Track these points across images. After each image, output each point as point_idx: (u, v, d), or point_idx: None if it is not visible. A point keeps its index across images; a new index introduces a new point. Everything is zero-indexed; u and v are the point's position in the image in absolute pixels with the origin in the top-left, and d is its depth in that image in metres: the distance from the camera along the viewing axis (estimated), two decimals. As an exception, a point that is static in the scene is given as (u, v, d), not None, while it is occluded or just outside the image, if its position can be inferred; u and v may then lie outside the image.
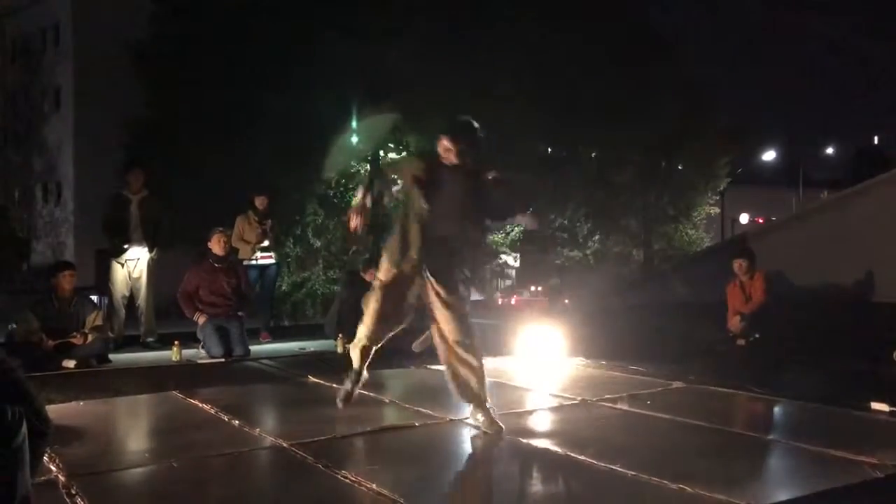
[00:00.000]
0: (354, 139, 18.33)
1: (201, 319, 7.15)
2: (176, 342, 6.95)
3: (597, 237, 24.25)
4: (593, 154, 23.91)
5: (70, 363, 6.34)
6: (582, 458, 3.65)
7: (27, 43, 33.99)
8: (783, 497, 3.21)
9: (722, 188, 26.70)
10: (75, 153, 31.20)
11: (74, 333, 6.46)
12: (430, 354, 7.02)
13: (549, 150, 23.76)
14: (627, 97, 20.92)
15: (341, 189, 20.62)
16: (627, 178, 23.87)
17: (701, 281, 9.19)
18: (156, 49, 18.35)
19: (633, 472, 3.37)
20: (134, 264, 7.83)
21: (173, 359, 6.85)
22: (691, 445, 4.02)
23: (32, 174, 32.55)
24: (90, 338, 6.51)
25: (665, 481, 3.23)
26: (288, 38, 16.34)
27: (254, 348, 7.49)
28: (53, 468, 3.39)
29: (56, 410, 4.29)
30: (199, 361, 6.95)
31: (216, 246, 7.37)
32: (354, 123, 17.84)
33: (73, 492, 3.11)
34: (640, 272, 22.56)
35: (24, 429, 2.07)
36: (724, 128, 25.14)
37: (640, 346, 7.02)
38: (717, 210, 27.78)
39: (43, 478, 3.24)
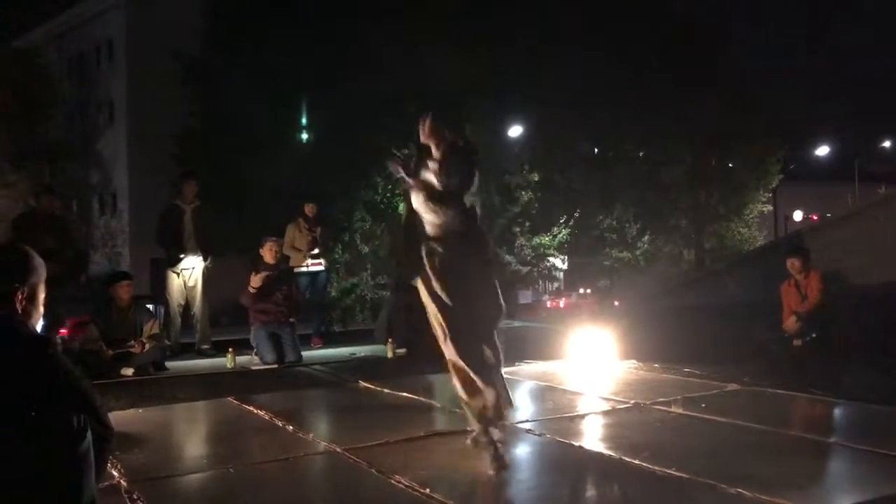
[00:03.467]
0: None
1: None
2: (230, 349, 7.08)
3: (646, 237, 23.95)
4: (641, 153, 23.64)
5: (128, 371, 6.50)
6: (636, 462, 3.61)
7: (83, 59, 35.05)
8: (846, 502, 3.13)
9: (774, 185, 26.13)
10: (129, 165, 32.00)
11: (132, 342, 6.62)
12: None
13: (596, 150, 23.55)
14: (676, 95, 20.63)
15: (388, 195, 20.77)
16: (677, 177, 23.53)
17: (754, 280, 9.02)
18: (204, 62, 18.74)
19: (688, 476, 3.32)
20: (189, 273, 7.99)
21: (228, 365, 6.97)
22: (748, 449, 3.93)
23: (89, 186, 33.50)
24: (147, 346, 6.66)
25: (723, 485, 3.18)
26: (334, 48, 16.53)
27: (305, 354, 7.58)
28: (116, 473, 3.48)
29: (116, 417, 4.40)
30: (253, 368, 7.07)
31: (268, 254, 7.49)
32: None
33: (135, 497, 3.19)
34: (692, 272, 22.20)
35: (90, 435, 2.13)
36: (775, 123, 24.63)
37: (693, 348, 6.91)
38: (770, 207, 27.18)
39: (106, 483, 3.33)
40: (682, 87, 20.83)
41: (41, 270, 2.38)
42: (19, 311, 2.29)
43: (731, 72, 22.96)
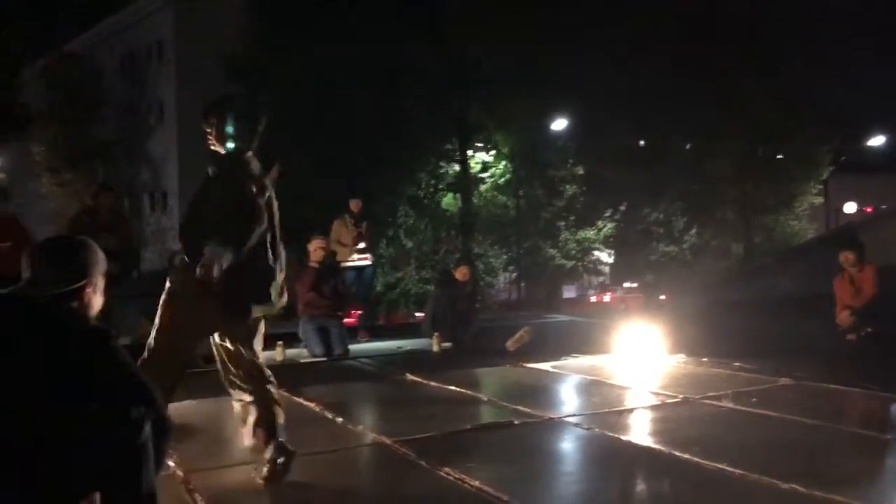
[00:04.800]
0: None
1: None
2: (279, 342, 7.19)
3: (693, 231, 23.61)
4: (688, 145, 23.31)
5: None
6: (686, 456, 3.58)
7: (133, 60, 35.85)
8: (904, 499, 3.06)
9: (825, 176, 25.51)
10: (179, 163, 32.64)
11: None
12: (523, 353, 7.07)
13: (642, 142, 23.29)
14: (723, 85, 20.28)
15: (431, 190, 20.85)
16: (724, 169, 23.13)
17: (806, 274, 8.84)
18: (251, 60, 18.99)
19: (741, 472, 3.28)
20: (237, 269, 8.12)
21: (277, 358, 7.08)
22: (802, 444, 3.87)
23: (140, 184, 34.30)
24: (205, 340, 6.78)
25: (776, 481, 3.13)
26: (378, 44, 16.62)
27: (353, 347, 7.67)
28: (172, 463, 3.57)
29: (170, 409, 4.51)
30: (302, 361, 7.17)
31: (315, 250, 7.58)
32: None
33: (191, 486, 3.27)
34: (741, 266, 21.82)
35: (148, 427, 2.19)
36: (826, 113, 24.04)
37: (742, 342, 6.81)
38: (821, 199, 26.55)
39: (161, 472, 3.42)
40: (730, 78, 20.45)
41: (103, 264, 2.46)
42: (85, 305, 2.37)
43: (780, 60, 22.44)
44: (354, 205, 8.78)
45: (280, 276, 3.44)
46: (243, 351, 3.45)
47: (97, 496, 2.14)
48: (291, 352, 7.32)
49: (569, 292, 27.40)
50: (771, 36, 22.00)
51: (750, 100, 20.56)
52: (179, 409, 4.85)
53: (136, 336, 6.82)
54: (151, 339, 3.37)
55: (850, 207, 33.37)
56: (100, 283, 2.44)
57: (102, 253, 2.48)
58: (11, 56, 20.74)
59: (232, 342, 3.44)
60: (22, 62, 25.39)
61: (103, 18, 36.52)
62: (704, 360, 6.48)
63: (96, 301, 2.43)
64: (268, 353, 7.37)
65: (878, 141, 32.75)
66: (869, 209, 28.75)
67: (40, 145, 30.49)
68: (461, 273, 8.48)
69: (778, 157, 24.50)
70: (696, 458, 3.53)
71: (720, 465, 3.39)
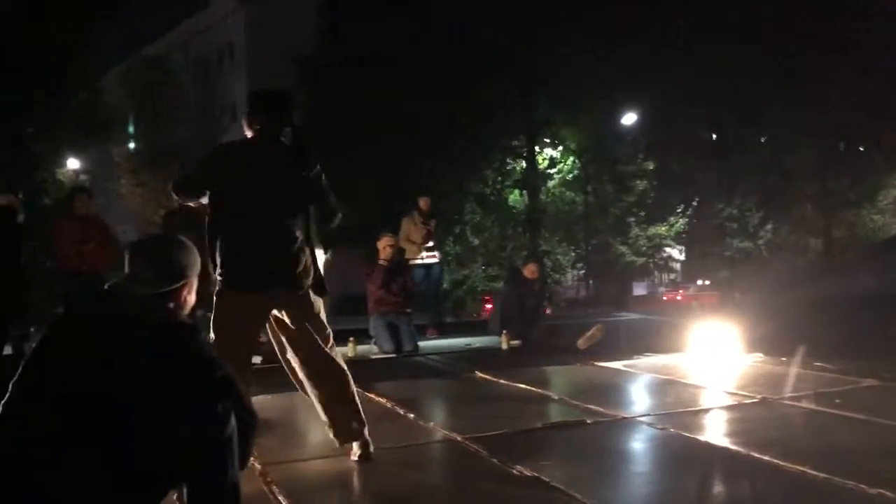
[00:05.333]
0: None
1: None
2: (351, 339, 7.29)
3: (769, 226, 22.92)
4: (763, 139, 22.64)
5: (256, 359, 6.78)
6: (766, 458, 3.48)
7: (206, 63, 36.91)
8: None
9: (911, 169, 24.42)
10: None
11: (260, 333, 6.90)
12: (593, 351, 6.99)
13: (714, 136, 22.75)
14: (801, 76, 19.61)
15: (498, 187, 20.81)
16: (802, 163, 22.37)
17: (891, 270, 8.48)
18: (320, 60, 19.30)
19: (824, 475, 3.17)
20: (310, 266, 8.26)
21: (349, 354, 7.17)
22: (889, 448, 3.72)
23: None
24: (274, 335, 6.95)
25: (862, 485, 3.01)
26: (449, 43, 16.69)
27: (421, 344, 7.73)
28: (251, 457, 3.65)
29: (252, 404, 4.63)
30: (372, 357, 7.26)
31: (384, 248, 7.66)
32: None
33: (269, 479, 3.35)
34: (820, 263, 21.10)
35: (233, 422, 2.24)
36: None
37: (823, 341, 6.57)
38: (907, 193, 25.41)
39: (243, 466, 3.51)
40: (808, 67, 19.76)
41: (198, 263, 2.54)
42: (180, 304, 2.46)
43: (863, 50, 21.55)
44: (423, 203, 8.84)
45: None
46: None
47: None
48: (362, 348, 7.42)
49: (639, 290, 26.95)
50: (852, 25, 21.17)
51: (832, 93, 19.81)
52: (255, 403, 4.97)
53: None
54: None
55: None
56: (194, 283, 2.52)
57: (197, 252, 2.56)
58: (94, 61, 21.60)
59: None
60: (103, 67, 26.43)
61: (177, 24, 37.72)
62: (783, 359, 6.29)
63: (190, 300, 2.51)
64: (339, 349, 7.52)
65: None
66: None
67: (120, 147, 31.64)
68: (530, 270, 8.44)
69: (860, 149, 23.58)
70: (775, 460, 3.43)
71: (802, 468, 3.28)
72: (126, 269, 2.43)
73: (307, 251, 3.51)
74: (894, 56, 20.16)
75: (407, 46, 17.04)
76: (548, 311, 9.85)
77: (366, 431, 3.55)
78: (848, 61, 20.57)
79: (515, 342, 7.68)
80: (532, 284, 8.35)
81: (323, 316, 3.60)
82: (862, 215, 23.97)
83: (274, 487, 3.24)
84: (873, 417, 4.23)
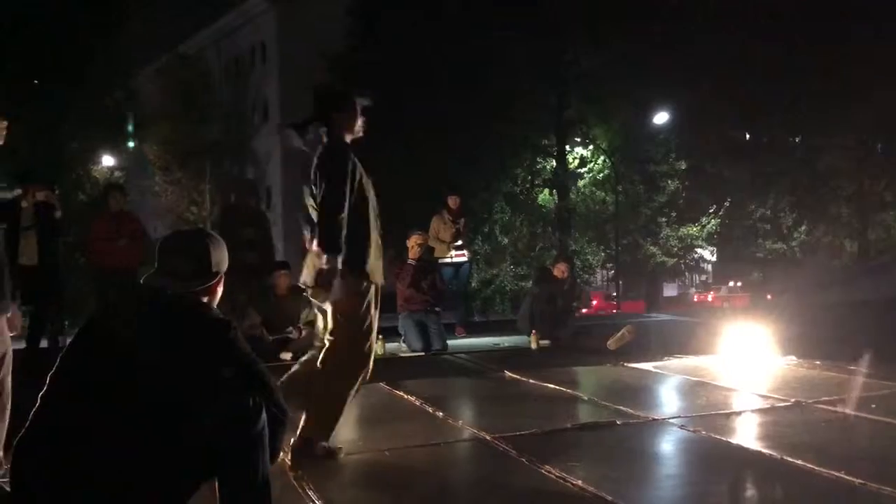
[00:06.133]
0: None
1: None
2: (380, 336, 7.29)
3: (803, 228, 22.56)
4: (797, 138, 22.27)
5: (287, 355, 6.85)
6: (800, 463, 3.43)
7: (238, 62, 37.26)
8: None
9: (952, 169, 23.87)
10: (282, 161, 33.71)
11: (291, 328, 6.98)
12: (623, 352, 6.94)
13: (748, 135, 22.45)
14: (836, 74, 19.26)
15: (527, 186, 20.74)
16: (837, 164, 21.98)
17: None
18: (351, 60, 19.37)
19: (860, 481, 3.11)
20: (339, 263, 8.30)
21: (378, 352, 7.17)
22: (928, 455, 3.64)
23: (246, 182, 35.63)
24: (305, 332, 7.00)
25: (899, 492, 2.96)
26: (476, 41, 16.67)
27: (450, 343, 7.73)
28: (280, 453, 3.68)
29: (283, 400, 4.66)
30: (402, 355, 7.28)
31: (413, 247, 7.67)
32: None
33: (299, 474, 3.37)
34: (856, 265, 20.72)
35: (264, 416, 2.26)
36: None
37: (859, 344, 6.45)
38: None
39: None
40: (843, 66, 19.40)
41: (227, 258, 2.57)
42: (213, 298, 2.49)
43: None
44: (452, 201, 8.84)
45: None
46: None
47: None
48: (391, 346, 7.43)
49: (669, 291, 26.72)
50: (890, 24, 20.75)
51: (867, 91, 19.43)
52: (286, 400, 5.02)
53: (245, 326, 7.09)
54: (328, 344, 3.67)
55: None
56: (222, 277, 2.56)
57: (226, 248, 2.58)
58: (129, 60, 21.97)
59: None
60: (139, 65, 26.82)
61: (210, 23, 38.12)
62: (817, 362, 6.19)
63: (219, 293, 2.55)
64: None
65: None
66: None
67: (153, 144, 32.07)
68: (559, 270, 8.41)
69: (898, 150, 23.12)
70: (809, 465, 3.38)
71: (837, 473, 3.22)
72: (158, 265, 2.46)
73: None
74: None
75: (437, 45, 17.05)
76: (583, 311, 9.77)
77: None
78: (886, 60, 20.17)
79: (545, 342, 7.65)
80: (562, 284, 8.32)
81: None
82: (900, 217, 23.53)
83: (304, 483, 3.26)
84: (911, 423, 4.15)
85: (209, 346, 2.27)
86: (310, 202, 3.68)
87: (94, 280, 8.33)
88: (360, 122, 3.80)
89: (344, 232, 3.49)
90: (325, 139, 3.66)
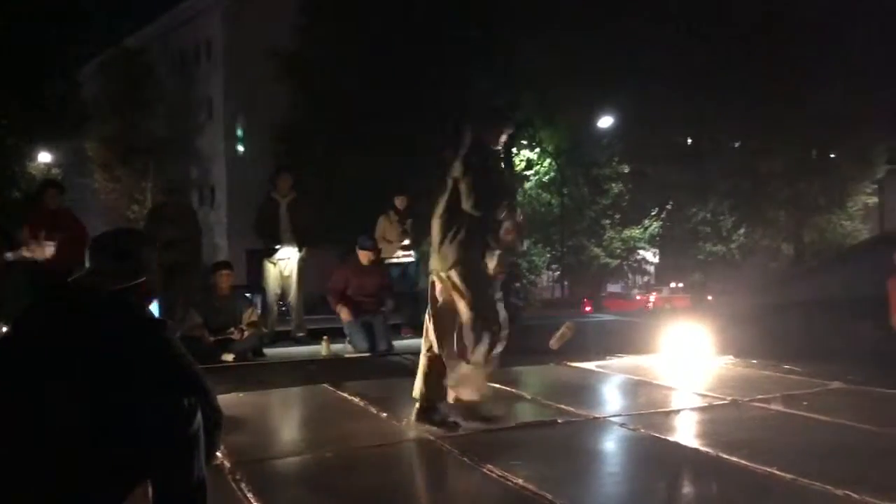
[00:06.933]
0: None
1: (343, 313, 7.42)
2: (325, 337, 7.26)
3: (742, 230, 23.14)
4: (737, 143, 22.84)
5: (229, 357, 6.75)
6: (734, 459, 3.52)
7: (184, 58, 36.51)
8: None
9: (880, 175, 24.79)
10: (227, 160, 33.20)
11: (232, 329, 6.87)
12: (566, 352, 7.01)
13: (689, 140, 22.94)
14: (775, 83, 19.82)
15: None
16: (775, 168, 22.62)
17: (860, 276, 8.61)
18: (301, 58, 19.18)
19: (791, 476, 3.21)
20: (285, 264, 8.19)
21: (322, 353, 7.15)
22: (856, 449, 3.78)
23: (189, 180, 34.94)
24: (247, 333, 6.90)
25: (828, 487, 3.06)
26: (431, 41, 16.68)
27: (396, 343, 7.69)
28: (219, 454, 3.61)
29: (218, 401, 4.59)
30: (347, 355, 7.23)
31: (364, 258, 7.60)
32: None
33: (238, 477, 3.32)
34: (791, 267, 21.34)
35: (200, 417, 2.23)
36: (882, 112, 23.31)
37: (793, 344, 6.68)
38: (876, 199, 25.82)
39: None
40: (783, 74, 19.99)
41: (156, 256, 2.52)
42: (142, 297, 2.43)
43: (834, 58, 21.84)
44: (399, 201, 8.81)
45: None
46: None
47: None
48: (336, 347, 7.38)
49: (613, 291, 27.13)
50: (827, 33, 21.46)
51: (805, 98, 20.07)
52: (226, 402, 4.91)
53: (185, 327, 6.96)
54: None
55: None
56: (154, 276, 2.50)
57: (156, 247, 2.53)
58: (72, 52, 21.29)
59: None
60: (81, 59, 26.02)
61: (156, 17, 37.31)
62: (753, 361, 6.36)
63: (150, 291, 2.49)
64: (313, 348, 7.49)
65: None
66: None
67: (94, 141, 31.23)
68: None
69: (831, 155, 23.90)
70: (744, 462, 3.47)
71: (770, 469, 3.32)
72: (89, 264, 2.40)
73: None
74: (865, 66, 20.49)
75: (387, 46, 16.99)
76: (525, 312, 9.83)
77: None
78: (822, 70, 20.85)
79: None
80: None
81: None
82: (832, 221, 24.32)
83: (243, 485, 3.21)
84: (839, 420, 4.30)
85: (142, 347, 2.22)
86: None
87: (27, 279, 8.05)
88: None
89: None
90: None
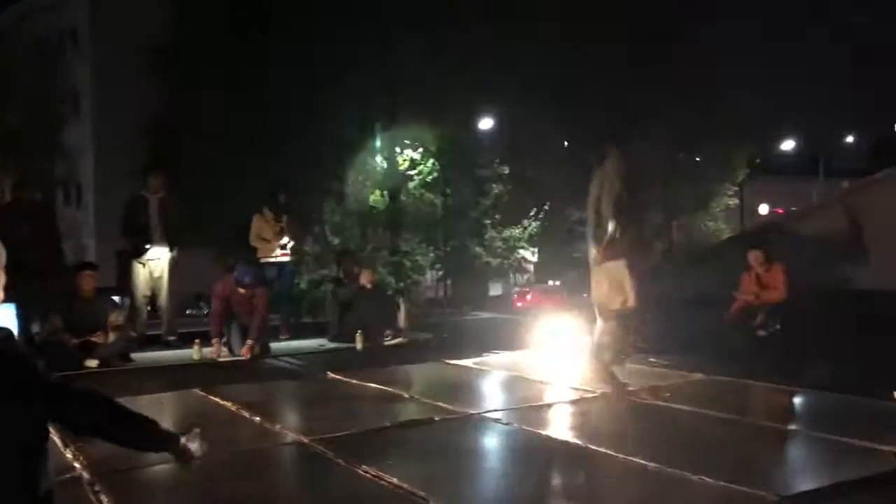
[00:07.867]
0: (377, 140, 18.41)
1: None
2: (196, 341, 6.99)
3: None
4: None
5: (93, 362, 6.39)
6: (601, 450, 3.65)
7: (47, 47, 34.27)
8: (806, 487, 3.19)
9: (740, 179, 26.49)
10: (95, 156, 31.51)
11: (97, 332, 6.52)
12: (447, 349, 7.08)
13: (566, 143, 23.69)
14: (643, 91, 20.77)
15: (357, 187, 20.67)
16: (648, 171, 23.69)
17: (720, 272, 9.12)
18: (176, 51, 18.47)
19: (653, 464, 3.35)
20: (155, 264, 7.85)
21: (194, 357, 6.89)
22: (712, 437, 4.00)
23: (53, 178, 32.87)
24: (112, 337, 6.57)
25: (686, 473, 3.21)
26: (308, 39, 16.42)
27: (274, 345, 7.52)
28: (77, 465, 3.43)
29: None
30: (220, 359, 6.99)
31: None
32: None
33: (97, 489, 3.15)
34: (657, 265, 22.41)
35: (46, 425, 2.10)
36: (742, 120, 24.92)
37: (659, 338, 6.97)
38: (737, 201, 27.57)
39: (67, 475, 3.29)
40: (650, 84, 20.98)
41: (3, 258, 2.33)
42: None
43: (697, 68, 23.12)
44: (282, 197, 8.66)
45: None
46: None
47: None
48: (209, 350, 7.12)
49: (494, 290, 27.63)
50: (688, 38, 22.74)
51: (669, 103, 21.14)
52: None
53: (46, 331, 6.56)
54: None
55: (763, 209, 34.75)
56: (1, 278, 2.32)
57: (3, 248, 2.35)
58: None
59: None
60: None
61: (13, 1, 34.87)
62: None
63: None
64: (185, 352, 7.21)
65: (789, 146, 34.24)
66: (780, 210, 29.99)
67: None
68: (365, 276, 8.45)
69: (696, 159, 25.29)
70: (610, 451, 3.60)
71: (633, 458, 3.45)
72: None
73: None
74: (728, 78, 21.79)
75: (262, 44, 16.60)
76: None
77: None
78: (688, 80, 22.05)
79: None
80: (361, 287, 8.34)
81: None
82: (697, 221, 25.76)
83: (102, 497, 3.05)
84: (699, 409, 4.54)
85: None
86: None
87: None
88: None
89: None
90: None
